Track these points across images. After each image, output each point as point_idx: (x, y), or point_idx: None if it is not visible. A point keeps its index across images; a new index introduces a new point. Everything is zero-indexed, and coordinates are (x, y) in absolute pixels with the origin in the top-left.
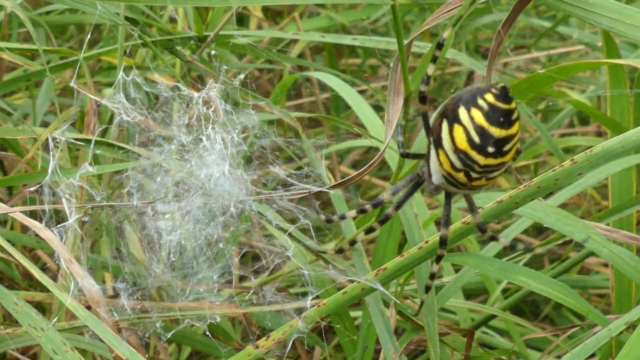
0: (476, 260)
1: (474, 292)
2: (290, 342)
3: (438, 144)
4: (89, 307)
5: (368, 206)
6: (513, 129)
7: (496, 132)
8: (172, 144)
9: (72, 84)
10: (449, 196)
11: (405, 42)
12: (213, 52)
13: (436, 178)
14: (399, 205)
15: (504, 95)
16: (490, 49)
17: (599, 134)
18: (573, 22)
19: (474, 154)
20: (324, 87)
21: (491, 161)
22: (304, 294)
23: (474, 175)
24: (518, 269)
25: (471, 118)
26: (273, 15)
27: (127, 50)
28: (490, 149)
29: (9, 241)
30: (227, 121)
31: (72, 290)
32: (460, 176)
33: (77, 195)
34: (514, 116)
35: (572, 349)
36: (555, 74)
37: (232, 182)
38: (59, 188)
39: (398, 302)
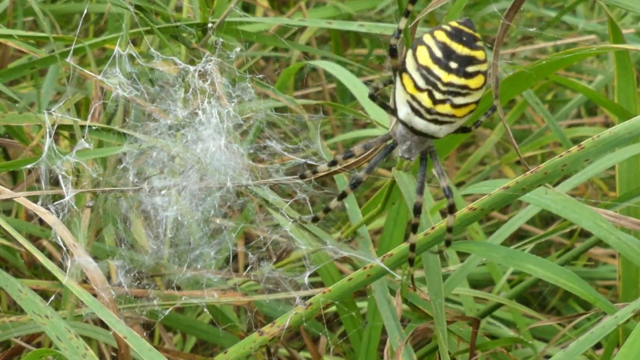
0: (482, 248)
1: (479, 283)
2: (287, 323)
3: (403, 70)
4: (94, 295)
5: (339, 157)
6: (477, 53)
7: (458, 48)
8: (168, 119)
9: (68, 59)
10: (423, 160)
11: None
12: (219, 40)
13: (402, 110)
14: (370, 169)
15: (468, 23)
16: (496, 37)
17: (607, 125)
18: (580, 12)
19: (436, 69)
20: (330, 77)
21: (454, 79)
22: (302, 271)
23: (437, 95)
24: (525, 256)
25: (434, 37)
26: (279, 5)
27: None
28: (453, 64)
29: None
30: (223, 94)
31: (69, 268)
32: (424, 97)
33: (74, 174)
34: (479, 43)
35: (579, 338)
36: (561, 60)
37: (228, 156)
38: (55, 165)
39: (404, 278)
